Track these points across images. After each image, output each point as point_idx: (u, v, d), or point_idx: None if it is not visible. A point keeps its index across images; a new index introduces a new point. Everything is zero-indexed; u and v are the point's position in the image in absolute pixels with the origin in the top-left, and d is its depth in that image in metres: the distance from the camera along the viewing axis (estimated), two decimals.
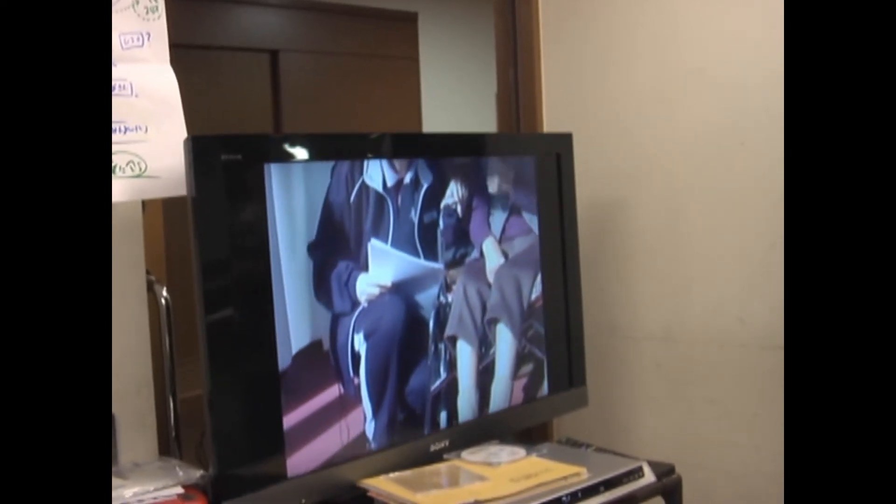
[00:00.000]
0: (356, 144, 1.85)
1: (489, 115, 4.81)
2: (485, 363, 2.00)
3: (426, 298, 1.89)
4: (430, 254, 1.90)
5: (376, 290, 1.80)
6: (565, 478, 1.78)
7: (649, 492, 1.87)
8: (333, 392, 1.75)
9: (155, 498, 1.57)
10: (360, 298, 1.77)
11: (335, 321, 1.74)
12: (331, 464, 1.72)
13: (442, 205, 1.92)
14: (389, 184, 1.82)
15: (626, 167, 2.37)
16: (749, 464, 2.18)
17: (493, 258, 2.02)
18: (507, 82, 2.58)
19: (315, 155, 1.74)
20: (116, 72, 1.64)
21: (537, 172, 2.12)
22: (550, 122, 2.51)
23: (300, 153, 1.73)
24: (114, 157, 1.63)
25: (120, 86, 1.64)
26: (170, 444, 1.89)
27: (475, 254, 1.99)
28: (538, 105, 2.51)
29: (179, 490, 1.60)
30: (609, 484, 1.80)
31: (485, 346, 2.00)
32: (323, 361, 1.73)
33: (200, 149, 1.55)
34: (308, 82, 4.64)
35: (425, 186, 1.89)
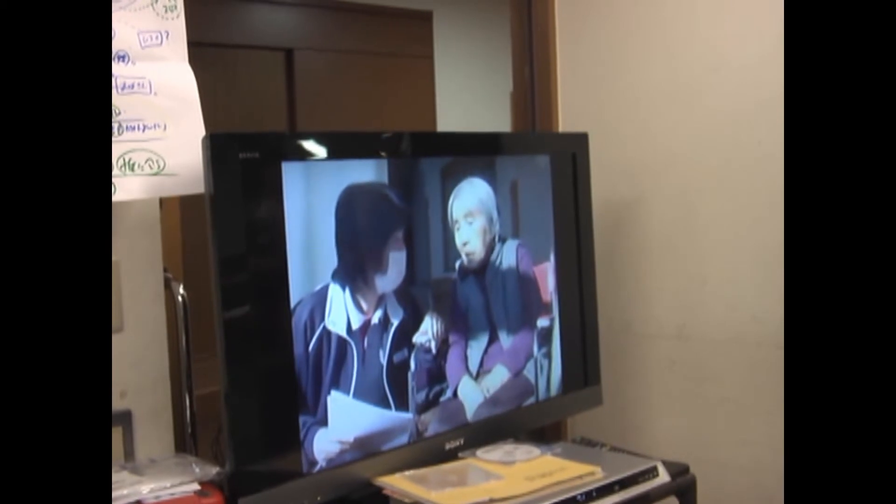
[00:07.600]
0: (372, 143, 1.85)
1: (504, 114, 4.82)
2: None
3: None
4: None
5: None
6: (580, 477, 1.78)
7: (664, 491, 1.87)
8: None
9: (172, 494, 1.57)
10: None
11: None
12: (347, 461, 1.73)
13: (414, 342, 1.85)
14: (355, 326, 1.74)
15: (641, 165, 2.37)
16: (763, 462, 2.18)
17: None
18: (522, 81, 2.58)
19: (331, 153, 1.74)
20: (135, 70, 1.65)
21: (553, 171, 2.12)
22: (566, 121, 2.51)
23: (317, 151, 1.73)
24: (132, 155, 1.64)
25: (139, 84, 1.65)
26: (186, 441, 1.89)
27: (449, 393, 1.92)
28: (553, 104, 2.51)
29: (196, 486, 1.60)
30: (623, 483, 1.80)
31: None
32: None
33: (218, 146, 1.55)
34: (323, 81, 4.65)
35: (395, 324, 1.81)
